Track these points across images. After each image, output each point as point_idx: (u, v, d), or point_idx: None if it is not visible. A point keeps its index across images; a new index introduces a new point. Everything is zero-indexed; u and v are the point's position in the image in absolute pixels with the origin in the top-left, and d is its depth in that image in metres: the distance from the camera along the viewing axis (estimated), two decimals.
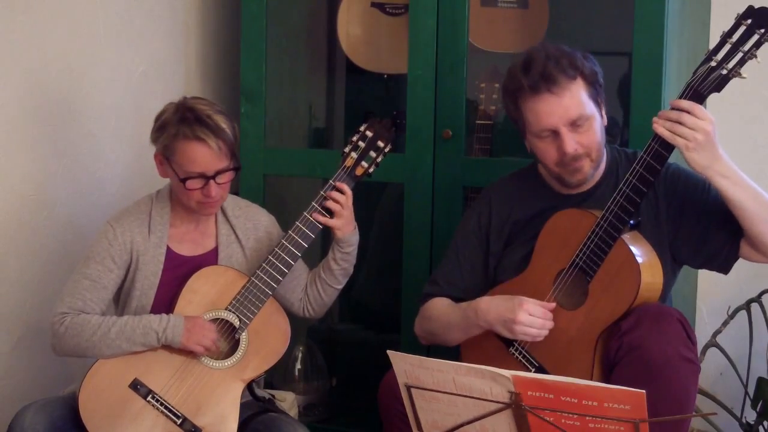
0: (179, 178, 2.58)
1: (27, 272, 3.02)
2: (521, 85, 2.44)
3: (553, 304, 2.45)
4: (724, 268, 2.48)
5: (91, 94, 3.19)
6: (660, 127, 2.30)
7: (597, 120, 2.46)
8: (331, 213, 2.64)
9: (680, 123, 2.28)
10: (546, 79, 2.40)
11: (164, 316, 2.55)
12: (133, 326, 2.53)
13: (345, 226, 2.66)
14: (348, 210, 2.66)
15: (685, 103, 2.29)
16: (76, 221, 3.13)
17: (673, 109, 2.30)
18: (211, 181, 2.56)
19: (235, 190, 2.94)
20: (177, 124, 2.56)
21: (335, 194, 2.63)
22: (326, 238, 3.23)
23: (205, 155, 2.54)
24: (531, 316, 2.41)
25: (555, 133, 2.44)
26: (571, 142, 2.43)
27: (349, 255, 2.73)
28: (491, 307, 2.48)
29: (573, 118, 2.42)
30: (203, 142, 2.53)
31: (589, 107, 2.44)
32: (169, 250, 2.67)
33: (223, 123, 2.56)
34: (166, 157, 2.60)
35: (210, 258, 2.70)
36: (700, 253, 2.49)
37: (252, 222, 2.76)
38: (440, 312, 2.62)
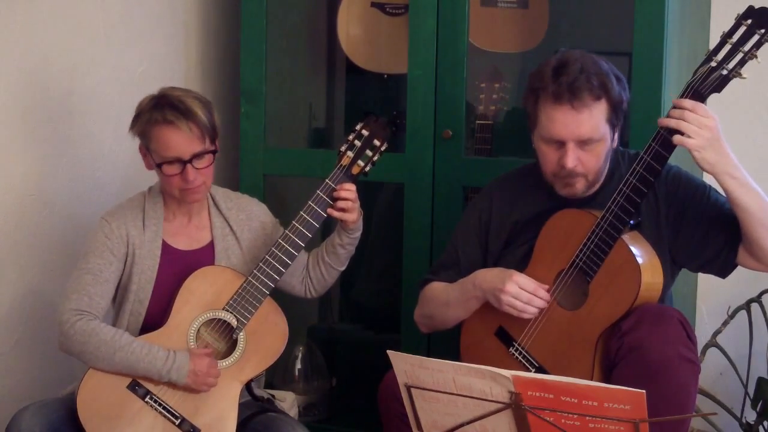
0: (156, 164, 2.59)
1: (27, 272, 3.02)
2: (546, 88, 2.42)
3: (548, 285, 2.46)
4: (722, 272, 2.48)
5: (91, 93, 3.19)
6: (665, 120, 2.29)
7: (606, 144, 2.46)
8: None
9: (684, 121, 2.27)
10: (572, 92, 2.39)
11: (170, 354, 2.52)
12: (138, 358, 2.50)
13: (357, 215, 2.69)
14: (357, 202, 2.67)
15: (688, 102, 2.29)
16: (76, 221, 3.13)
17: (675, 108, 2.30)
18: (188, 166, 2.56)
19: (235, 189, 2.94)
20: (150, 111, 2.58)
21: (344, 193, 2.63)
22: (326, 230, 3.23)
23: (176, 138, 2.55)
24: (519, 289, 2.43)
25: (561, 144, 2.44)
26: (573, 158, 2.43)
27: (356, 239, 2.76)
28: (487, 276, 2.52)
29: (583, 137, 2.42)
30: (173, 125, 2.55)
31: (603, 131, 2.43)
32: (164, 244, 2.67)
33: (195, 107, 2.57)
34: (146, 146, 2.62)
35: (206, 252, 2.70)
36: (698, 257, 2.49)
37: (245, 213, 2.76)
38: (439, 292, 2.64)
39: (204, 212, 2.73)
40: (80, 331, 2.52)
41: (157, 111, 2.57)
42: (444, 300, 2.61)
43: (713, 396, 3.10)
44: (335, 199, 2.63)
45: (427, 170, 3.11)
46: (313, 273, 2.80)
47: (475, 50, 3.21)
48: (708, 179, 2.49)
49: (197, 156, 2.57)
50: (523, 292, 2.44)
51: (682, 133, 2.28)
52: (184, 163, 2.57)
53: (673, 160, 2.38)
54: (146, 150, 2.63)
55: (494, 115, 3.28)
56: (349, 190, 2.63)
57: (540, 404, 1.93)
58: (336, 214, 2.64)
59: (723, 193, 2.45)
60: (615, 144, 2.51)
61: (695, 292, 3.26)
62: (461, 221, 2.74)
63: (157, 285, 2.64)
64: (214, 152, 2.62)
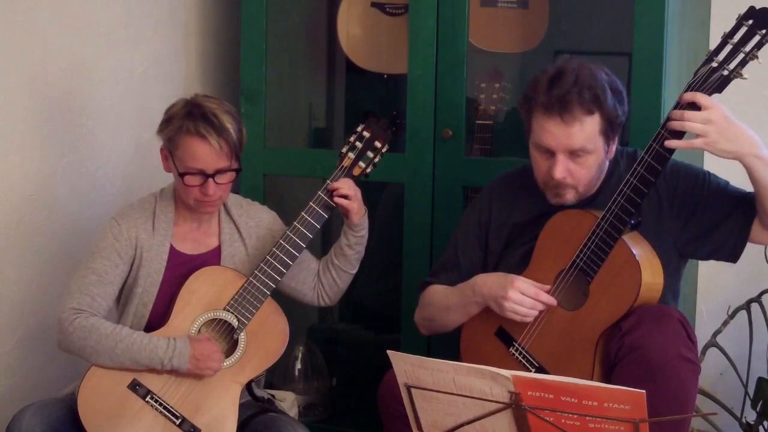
0: (179, 173, 2.58)
1: (27, 272, 3.02)
2: (538, 99, 2.42)
3: (548, 287, 2.46)
4: (733, 256, 2.47)
5: (91, 93, 3.19)
6: (674, 141, 2.29)
7: (599, 156, 2.45)
8: (332, 208, 2.65)
9: (688, 122, 2.27)
10: (562, 105, 2.38)
11: (171, 341, 2.52)
12: (140, 347, 2.51)
13: (360, 208, 2.68)
14: (359, 193, 2.67)
15: (688, 95, 2.29)
16: (76, 221, 3.13)
17: (679, 103, 2.30)
18: (210, 180, 2.56)
19: (236, 190, 2.94)
20: (182, 118, 2.57)
21: (343, 191, 2.63)
22: (326, 232, 3.24)
23: (205, 152, 2.54)
24: (521, 295, 2.43)
25: (551, 154, 2.44)
26: (562, 169, 2.42)
27: (363, 238, 2.75)
28: (486, 282, 2.51)
29: (574, 148, 2.41)
30: (204, 139, 2.54)
31: (595, 143, 2.42)
32: (172, 248, 2.67)
33: (228, 123, 2.56)
34: (170, 150, 2.61)
35: (213, 256, 2.70)
36: (707, 244, 2.48)
37: (254, 220, 2.76)
38: (439, 296, 2.64)
39: (214, 218, 2.72)
40: (80, 327, 2.52)
41: (190, 120, 2.55)
42: (444, 304, 2.61)
43: (713, 396, 3.10)
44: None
45: (427, 170, 3.11)
46: (324, 279, 2.79)
47: (475, 50, 3.21)
48: (709, 167, 2.49)
49: (220, 172, 2.57)
50: (526, 299, 2.43)
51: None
52: (206, 176, 2.56)
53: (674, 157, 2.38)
54: (169, 154, 2.61)
55: (494, 115, 3.28)
56: (341, 187, 2.63)
57: (540, 404, 1.93)
58: (340, 201, 2.64)
59: (721, 177, 2.48)
60: (611, 155, 2.50)
61: (695, 292, 3.25)
62: (461, 222, 2.74)
63: (162, 288, 2.64)
64: (237, 171, 2.62)
